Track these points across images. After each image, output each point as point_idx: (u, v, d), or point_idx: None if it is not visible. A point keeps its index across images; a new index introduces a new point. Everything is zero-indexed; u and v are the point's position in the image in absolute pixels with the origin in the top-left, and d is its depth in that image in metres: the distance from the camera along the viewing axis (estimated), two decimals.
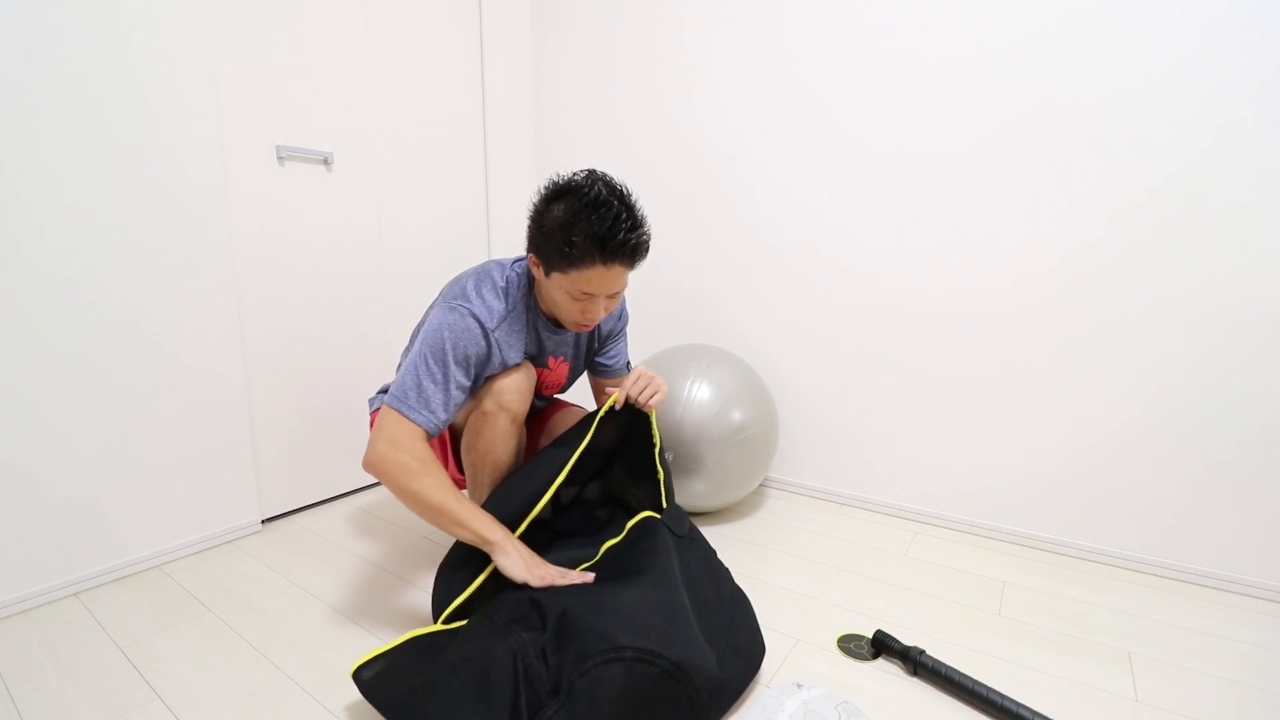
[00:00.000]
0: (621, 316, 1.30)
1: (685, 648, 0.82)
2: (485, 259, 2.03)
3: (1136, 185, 1.27)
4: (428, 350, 1.01)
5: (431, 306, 1.13)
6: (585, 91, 2.03)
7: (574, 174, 1.01)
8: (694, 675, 0.80)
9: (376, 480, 1.78)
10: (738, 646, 0.95)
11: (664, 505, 1.16)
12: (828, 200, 1.64)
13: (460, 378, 1.03)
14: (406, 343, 1.28)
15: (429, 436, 1.01)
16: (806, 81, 1.62)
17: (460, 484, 1.20)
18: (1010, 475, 1.48)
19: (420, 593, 1.24)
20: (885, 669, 1.02)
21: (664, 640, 0.81)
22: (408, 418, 1.00)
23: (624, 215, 0.96)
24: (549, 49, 2.10)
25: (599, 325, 1.25)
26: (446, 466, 1.16)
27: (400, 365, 1.27)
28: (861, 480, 1.69)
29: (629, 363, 1.35)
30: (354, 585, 1.27)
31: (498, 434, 1.09)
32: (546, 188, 1.02)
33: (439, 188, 1.87)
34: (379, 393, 1.30)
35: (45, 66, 1.12)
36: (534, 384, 1.14)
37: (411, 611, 1.17)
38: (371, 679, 0.85)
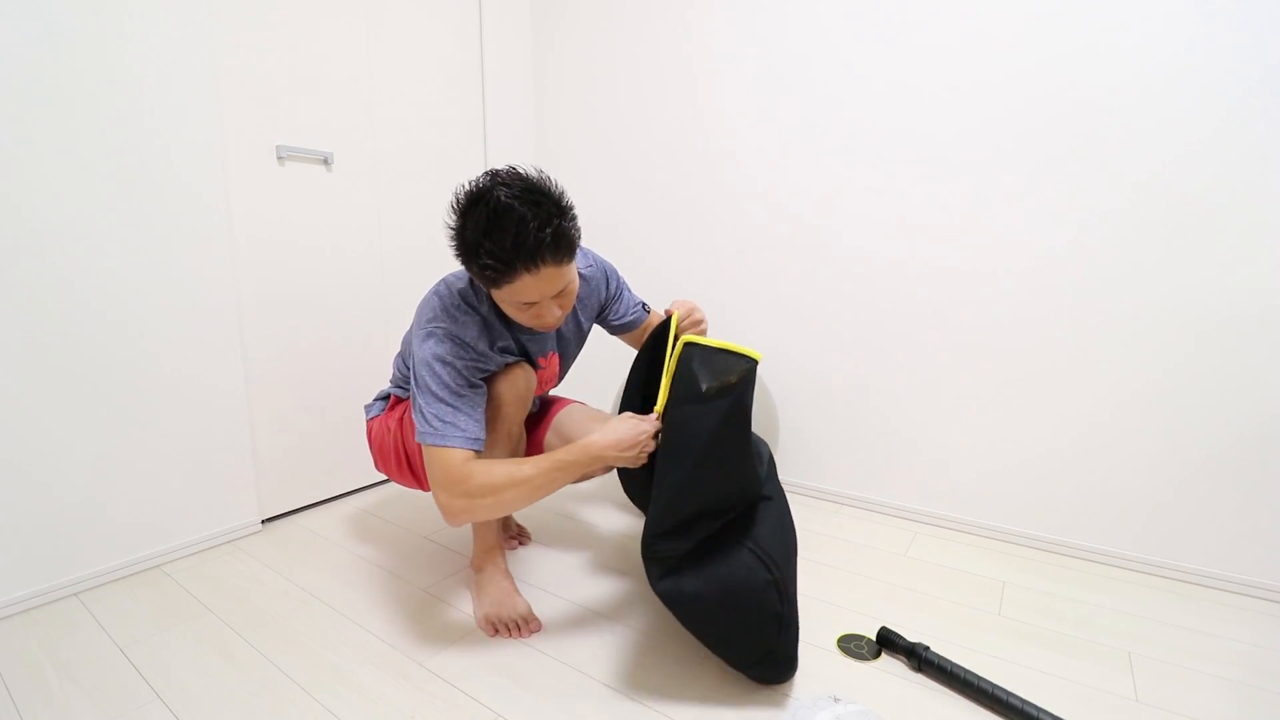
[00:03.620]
0: (609, 280, 1.26)
1: (790, 579, 1.00)
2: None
3: (1132, 181, 1.27)
4: (429, 381, 0.98)
5: (412, 329, 1.09)
6: (585, 90, 2.03)
7: (475, 181, 0.93)
8: (789, 602, 0.96)
9: (380, 480, 1.78)
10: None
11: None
12: (828, 201, 1.64)
13: (469, 392, 1.01)
14: (400, 347, 1.26)
15: (478, 451, 0.99)
16: (810, 79, 1.62)
17: None
18: (1010, 475, 1.48)
19: (420, 592, 1.24)
20: (886, 669, 1.02)
21: (784, 563, 0.99)
22: (447, 447, 0.96)
23: (528, 217, 0.88)
24: (549, 47, 2.10)
25: (586, 302, 1.23)
26: None
27: (395, 370, 1.27)
28: (861, 480, 1.69)
29: (645, 304, 1.33)
30: (354, 585, 1.27)
31: (496, 440, 1.09)
32: (454, 203, 0.94)
33: (439, 187, 1.87)
34: (376, 399, 1.30)
35: (44, 66, 1.12)
36: (534, 387, 1.14)
37: (412, 611, 1.17)
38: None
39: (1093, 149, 1.30)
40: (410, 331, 1.10)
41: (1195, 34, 1.19)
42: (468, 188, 0.93)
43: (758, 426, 1.52)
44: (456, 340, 1.01)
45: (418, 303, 1.11)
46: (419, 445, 1.16)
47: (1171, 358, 1.28)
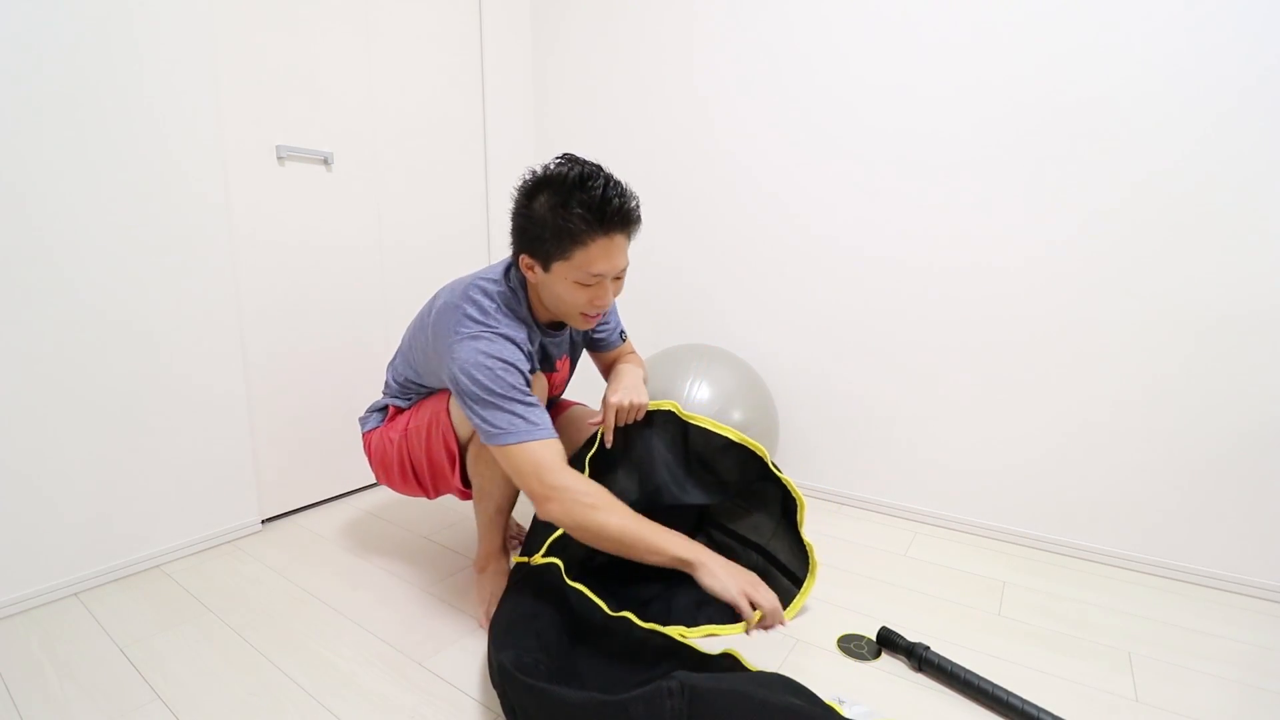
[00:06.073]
0: None
1: None
2: (484, 258, 2.04)
3: (1132, 180, 1.27)
4: (489, 385, 0.94)
5: (430, 329, 1.06)
6: (585, 90, 2.03)
7: (546, 165, 0.99)
8: None
9: (374, 483, 1.78)
10: None
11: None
12: (828, 202, 1.63)
13: (526, 395, 0.97)
14: (396, 355, 1.24)
15: (561, 451, 0.96)
16: (812, 79, 1.62)
17: (465, 496, 1.19)
18: (1010, 475, 1.48)
19: (420, 592, 1.24)
20: (886, 669, 1.02)
21: None
22: (532, 440, 0.93)
23: (612, 183, 0.95)
24: (549, 47, 2.10)
25: None
26: (453, 477, 1.14)
27: (391, 379, 1.24)
28: (861, 480, 1.69)
29: (623, 331, 1.32)
30: (354, 585, 1.27)
31: None
32: (522, 186, 1.00)
33: (439, 187, 1.87)
34: (371, 412, 1.27)
35: (45, 66, 1.12)
36: (546, 394, 1.14)
37: (412, 611, 1.17)
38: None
39: (1092, 149, 1.30)
40: (428, 336, 1.07)
41: (1194, 34, 1.19)
42: (540, 169, 0.99)
43: (759, 426, 1.52)
44: (513, 342, 0.99)
45: (418, 301, 1.09)
46: (424, 454, 1.15)
47: (1172, 357, 1.28)
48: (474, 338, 0.97)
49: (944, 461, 1.56)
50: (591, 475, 1.05)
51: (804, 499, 1.16)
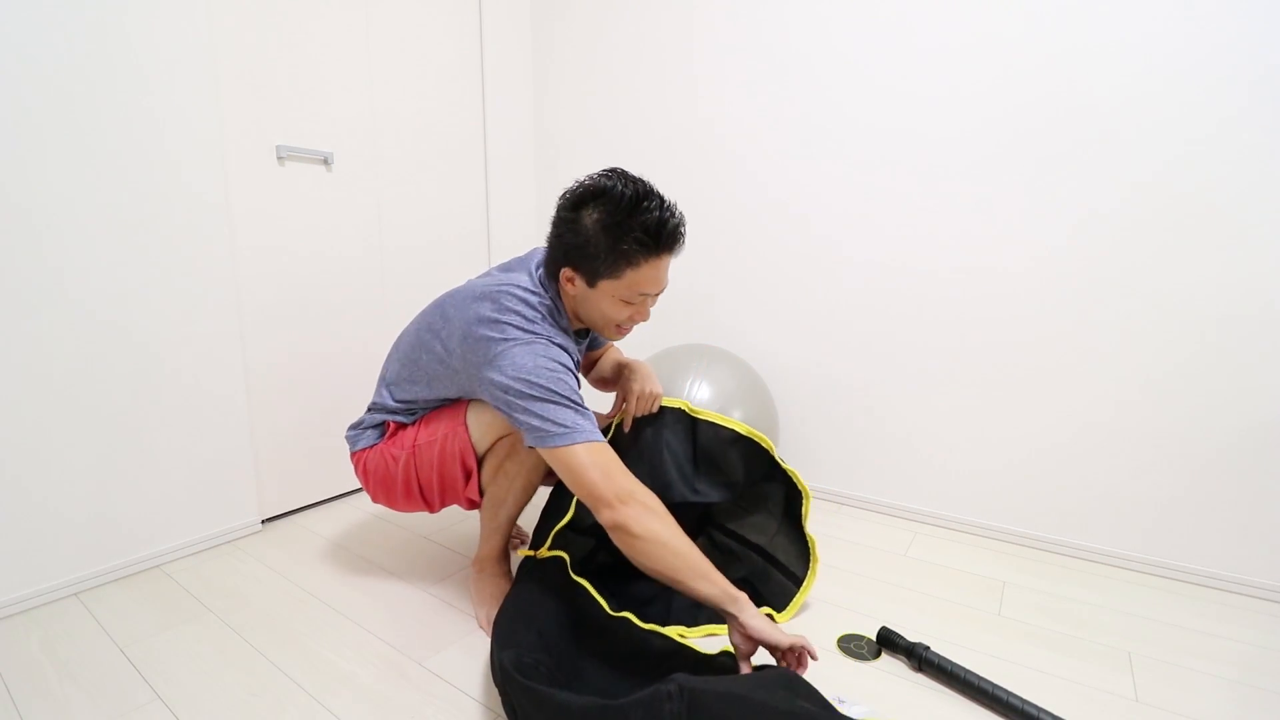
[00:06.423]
0: None
1: None
2: (484, 259, 2.04)
3: (1132, 180, 1.27)
4: (551, 386, 0.92)
5: (458, 340, 1.01)
6: (585, 90, 2.03)
7: (591, 178, 0.97)
8: None
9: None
10: None
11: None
12: (828, 202, 1.63)
13: (583, 400, 0.97)
14: (393, 366, 1.16)
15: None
16: (813, 78, 1.62)
17: (471, 507, 1.19)
18: (1010, 475, 1.48)
19: (420, 592, 1.24)
20: (886, 669, 1.02)
21: None
22: (596, 441, 0.92)
23: (666, 204, 0.95)
24: (549, 47, 2.10)
25: None
26: (467, 487, 1.13)
27: (388, 396, 1.15)
28: (861, 480, 1.69)
29: None
30: (354, 585, 1.27)
31: (533, 459, 1.07)
32: (569, 196, 0.98)
33: (439, 187, 1.87)
34: (363, 429, 1.19)
35: (44, 67, 1.12)
36: None
37: (412, 611, 1.17)
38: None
39: (1092, 149, 1.30)
40: (449, 348, 1.02)
41: (1194, 34, 1.19)
42: (587, 181, 0.97)
43: (759, 426, 1.52)
44: (566, 350, 0.98)
45: (419, 301, 1.08)
46: (434, 471, 1.11)
47: (1172, 357, 1.28)
48: (529, 344, 0.95)
49: (944, 461, 1.56)
50: None
51: (809, 491, 1.16)
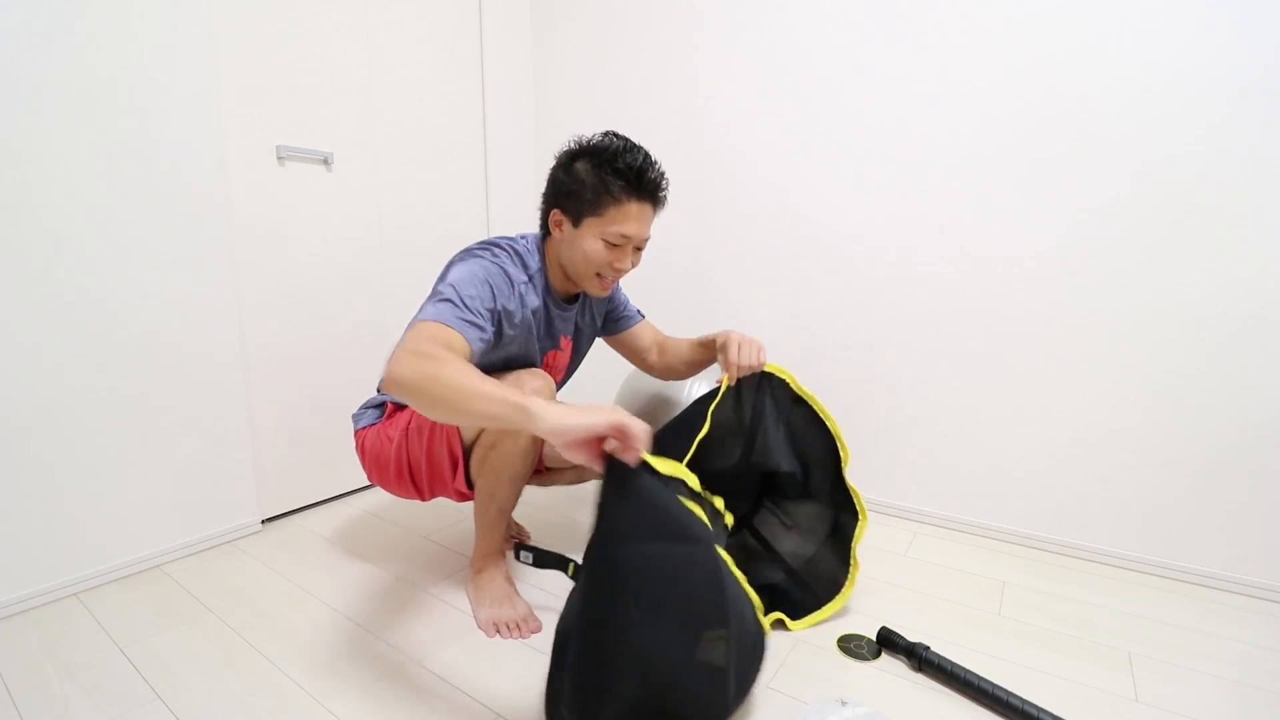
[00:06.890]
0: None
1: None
2: None
3: (1130, 178, 1.27)
4: (458, 288, 0.93)
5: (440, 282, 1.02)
6: (585, 89, 2.03)
7: (589, 137, 1.06)
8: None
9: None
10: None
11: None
12: (828, 201, 1.63)
13: (485, 318, 0.94)
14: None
15: (469, 353, 0.88)
16: (815, 74, 1.62)
17: (462, 498, 1.18)
18: (1010, 474, 1.48)
19: (420, 592, 1.24)
20: (886, 669, 1.02)
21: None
22: (443, 324, 0.88)
23: (652, 158, 1.04)
24: (549, 46, 2.10)
25: (600, 298, 1.23)
26: (453, 480, 1.13)
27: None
28: (861, 480, 1.68)
29: (640, 310, 1.37)
30: (354, 585, 1.27)
31: (518, 446, 1.07)
32: (565, 152, 1.07)
33: (439, 188, 1.87)
34: (365, 408, 1.25)
35: (44, 66, 1.12)
36: (554, 392, 1.11)
37: (412, 611, 1.17)
38: None
39: (1091, 145, 1.30)
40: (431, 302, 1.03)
41: (1193, 32, 1.19)
42: (583, 140, 1.06)
43: None
44: (504, 271, 1.02)
45: (419, 302, 1.07)
46: (423, 455, 1.13)
47: (1171, 356, 1.28)
48: (475, 258, 1.02)
49: (944, 461, 1.56)
50: (710, 428, 1.07)
51: (867, 515, 1.14)
